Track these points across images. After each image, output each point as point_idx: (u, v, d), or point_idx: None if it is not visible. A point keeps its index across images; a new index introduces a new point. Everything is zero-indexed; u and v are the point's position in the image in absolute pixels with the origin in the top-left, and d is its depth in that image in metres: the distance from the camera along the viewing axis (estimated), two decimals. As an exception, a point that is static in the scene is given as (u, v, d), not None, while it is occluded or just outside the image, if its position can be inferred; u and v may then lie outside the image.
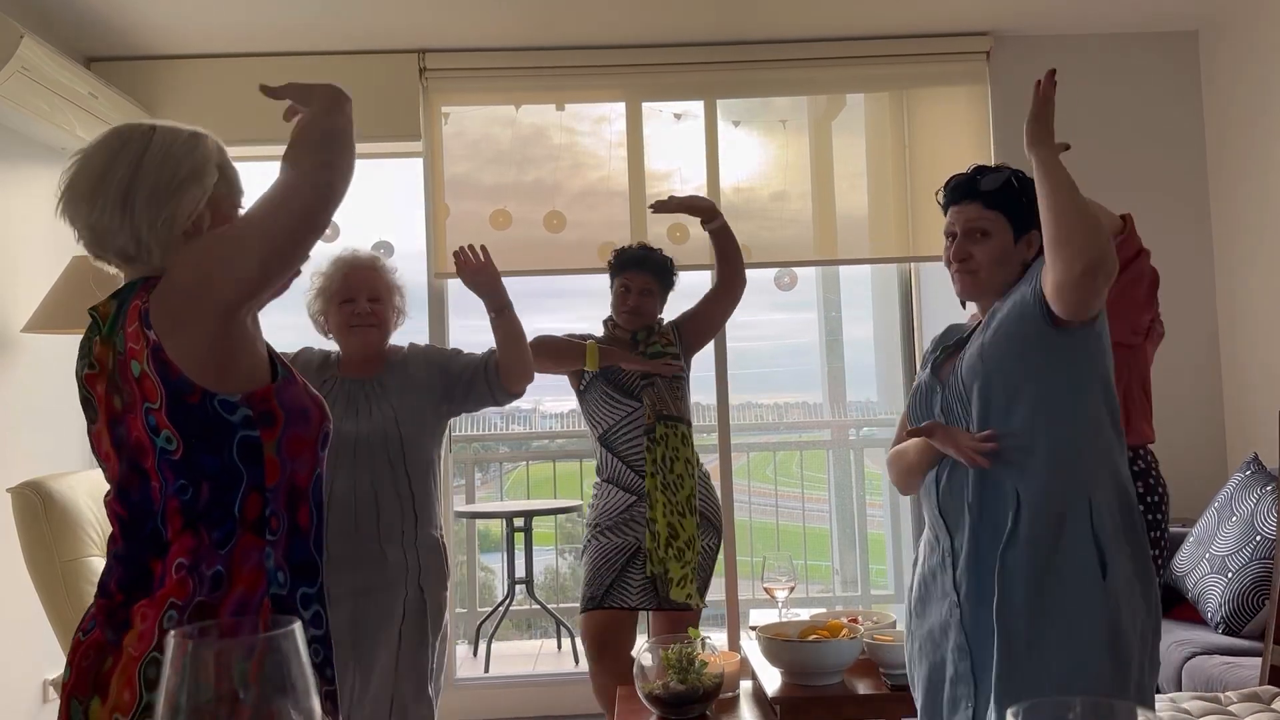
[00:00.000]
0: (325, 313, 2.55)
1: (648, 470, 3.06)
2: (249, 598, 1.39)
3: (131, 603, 1.39)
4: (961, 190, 1.91)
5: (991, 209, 1.86)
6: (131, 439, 1.42)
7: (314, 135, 1.62)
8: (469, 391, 2.56)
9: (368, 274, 2.54)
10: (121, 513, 1.44)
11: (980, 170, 1.92)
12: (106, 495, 1.48)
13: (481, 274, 2.60)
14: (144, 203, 1.44)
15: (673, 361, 3.09)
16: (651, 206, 3.27)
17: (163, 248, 1.45)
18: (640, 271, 3.16)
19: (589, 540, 3.14)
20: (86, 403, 1.49)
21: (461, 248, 2.64)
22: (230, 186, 1.59)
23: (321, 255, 2.60)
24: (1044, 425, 1.74)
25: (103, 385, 1.45)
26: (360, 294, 2.51)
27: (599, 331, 3.24)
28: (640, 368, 3.07)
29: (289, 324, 2.68)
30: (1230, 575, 3.07)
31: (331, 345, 2.61)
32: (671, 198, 3.28)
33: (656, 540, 3.02)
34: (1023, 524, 1.73)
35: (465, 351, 2.64)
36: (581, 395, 3.18)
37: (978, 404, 1.79)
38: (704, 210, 3.26)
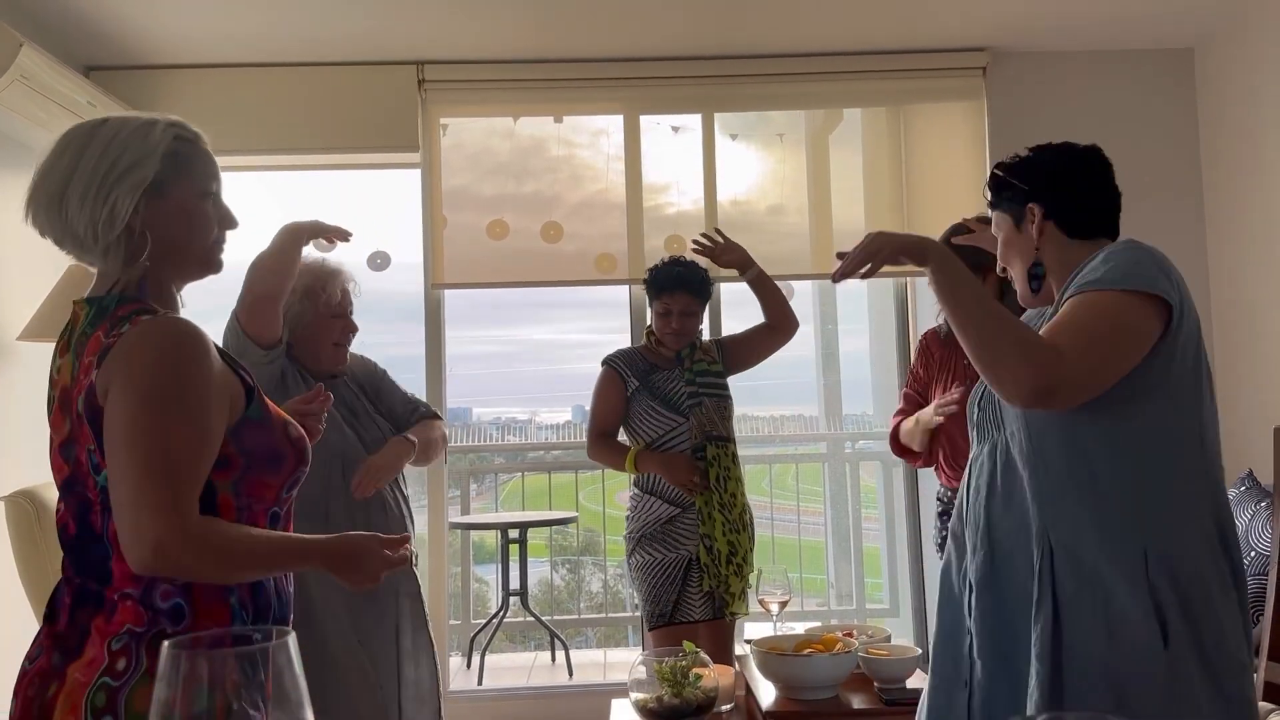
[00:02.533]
0: (304, 319, 2.48)
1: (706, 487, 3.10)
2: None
3: (80, 627, 1.31)
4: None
5: (994, 209, 1.79)
6: (80, 470, 1.34)
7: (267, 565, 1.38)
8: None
9: (350, 290, 2.57)
10: (70, 529, 1.36)
11: None
12: (56, 507, 1.40)
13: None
14: (76, 201, 1.35)
15: (697, 481, 3.09)
16: (693, 249, 3.31)
17: (105, 252, 1.37)
18: (680, 293, 3.17)
19: (634, 552, 3.14)
20: (50, 404, 1.41)
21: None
22: (187, 175, 1.43)
23: (330, 261, 2.61)
24: (1098, 466, 1.51)
25: (57, 396, 1.38)
26: (348, 310, 2.54)
27: (638, 341, 3.28)
28: (673, 481, 3.08)
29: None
30: (1225, 591, 3.07)
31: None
32: (704, 248, 3.28)
33: (716, 557, 3.07)
34: (1059, 578, 1.50)
35: (396, 392, 2.70)
36: (628, 401, 3.19)
37: (1020, 434, 1.58)
38: (736, 264, 3.28)
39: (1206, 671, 1.43)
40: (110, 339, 1.31)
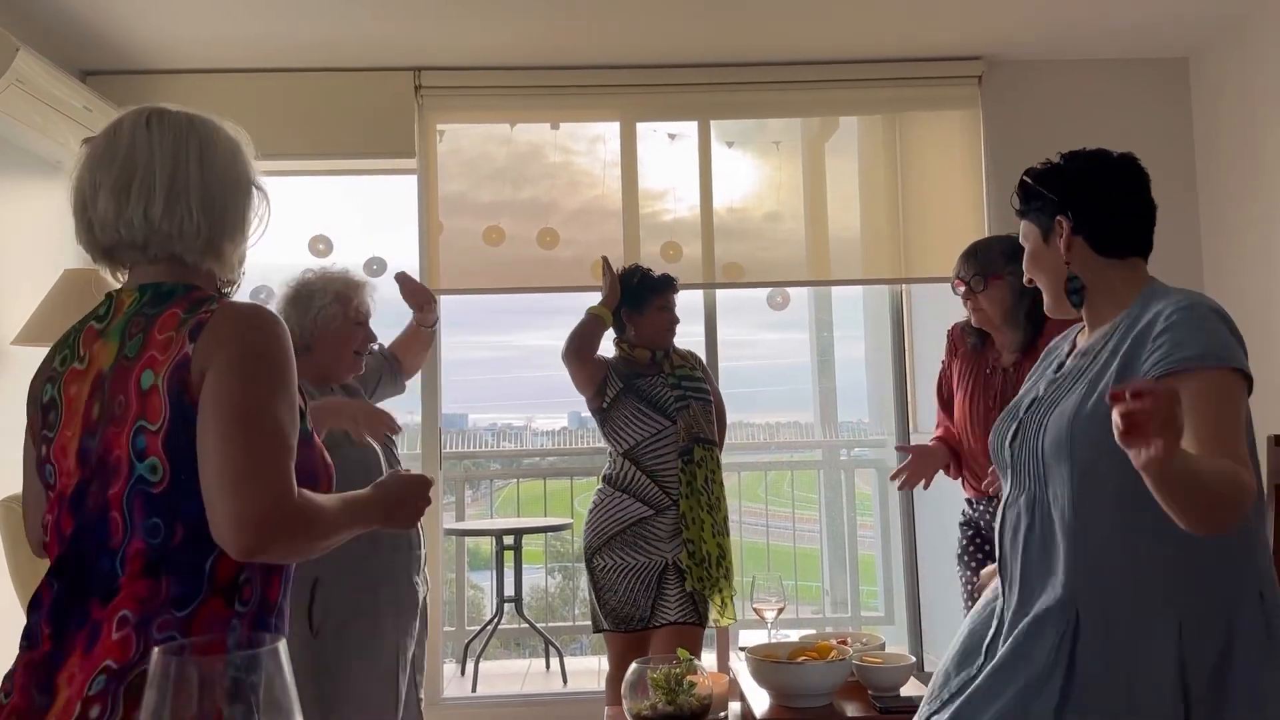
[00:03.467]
0: (340, 326, 2.52)
1: (684, 492, 3.12)
2: None
3: (63, 655, 1.22)
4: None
5: (1023, 218, 1.72)
6: (109, 458, 1.26)
7: (345, 529, 1.37)
8: None
9: (372, 302, 2.65)
10: (68, 536, 1.28)
11: None
12: (47, 516, 1.33)
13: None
14: (216, 208, 1.36)
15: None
16: None
17: (227, 260, 1.39)
18: (670, 292, 3.29)
19: (599, 553, 3.14)
20: (50, 406, 1.34)
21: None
22: (255, 197, 1.49)
23: (278, 264, 2.66)
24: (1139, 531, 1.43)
25: (84, 387, 1.30)
26: (369, 319, 2.60)
27: (611, 352, 3.30)
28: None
29: None
30: (1219, 600, 3.07)
31: None
32: None
33: (704, 561, 3.09)
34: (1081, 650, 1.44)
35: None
36: (604, 413, 3.21)
37: (1063, 492, 1.50)
38: None
39: None
40: (200, 315, 1.28)
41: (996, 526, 1.66)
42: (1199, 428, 1.40)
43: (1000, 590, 1.63)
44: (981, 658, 1.60)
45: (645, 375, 3.22)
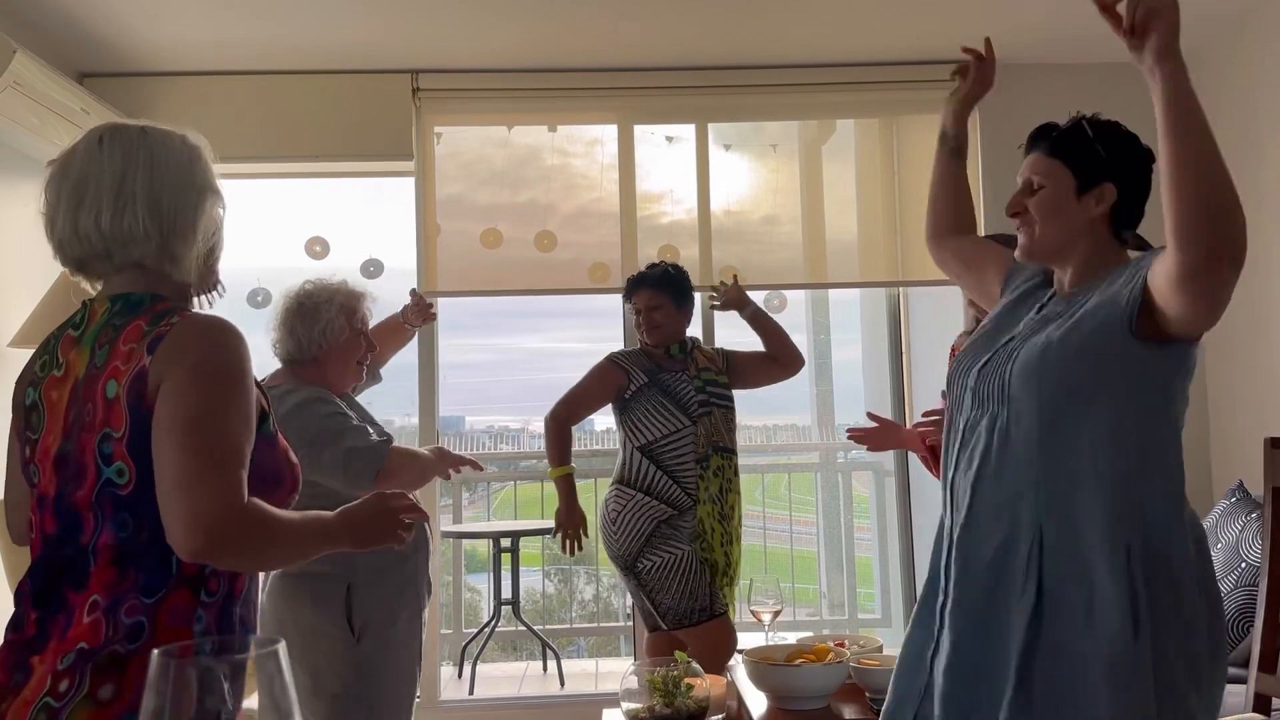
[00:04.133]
0: (348, 337, 2.52)
1: (701, 497, 3.12)
2: None
3: (44, 640, 1.30)
4: (1030, 139, 1.69)
5: (1053, 156, 1.63)
6: (80, 461, 1.33)
7: (316, 545, 1.42)
8: None
9: (371, 311, 2.64)
10: (49, 532, 1.35)
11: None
12: (31, 515, 1.39)
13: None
14: (171, 212, 1.39)
15: (577, 543, 3.19)
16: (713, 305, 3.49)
17: (191, 261, 1.41)
18: (643, 289, 3.25)
19: (642, 555, 3.10)
20: (32, 408, 1.40)
21: None
22: (220, 202, 1.51)
23: (324, 268, 2.64)
24: (1102, 454, 1.49)
25: (63, 393, 1.37)
26: (369, 329, 2.60)
27: (619, 344, 3.36)
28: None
29: None
30: (1216, 602, 3.08)
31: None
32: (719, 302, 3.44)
33: (711, 567, 3.15)
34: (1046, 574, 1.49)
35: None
36: (625, 403, 3.19)
37: (1028, 416, 1.53)
38: (732, 303, 3.39)
39: (1171, 668, 1.44)
40: (160, 328, 1.33)
41: (946, 444, 1.66)
42: None
43: (946, 507, 1.65)
44: (936, 621, 1.63)
45: (669, 370, 3.22)
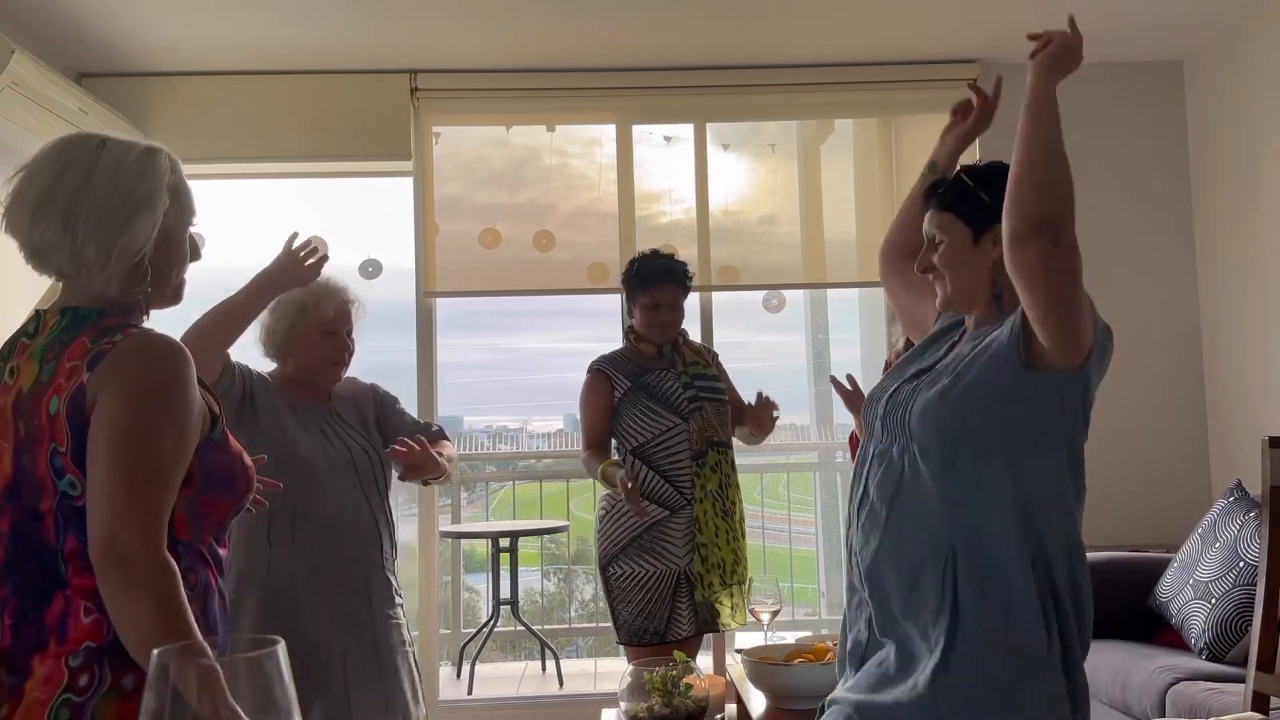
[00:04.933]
0: (298, 337, 2.44)
1: (697, 496, 3.03)
2: None
3: (25, 645, 1.30)
4: (923, 198, 1.80)
5: (944, 210, 1.72)
6: (36, 474, 1.34)
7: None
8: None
9: (349, 309, 2.50)
10: (8, 543, 1.35)
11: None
12: None
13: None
14: (91, 224, 1.37)
15: (638, 502, 2.95)
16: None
17: (108, 276, 1.39)
18: (669, 284, 3.11)
19: (615, 560, 3.03)
20: None
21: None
22: (181, 210, 1.47)
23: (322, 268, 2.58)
24: (1000, 482, 1.56)
25: (8, 402, 1.37)
26: (342, 328, 2.47)
27: (619, 344, 3.24)
28: (632, 504, 2.94)
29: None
30: (1214, 601, 3.08)
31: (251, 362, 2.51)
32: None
33: (714, 567, 3.02)
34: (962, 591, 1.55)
35: (402, 415, 2.62)
36: (613, 412, 3.10)
37: (930, 452, 1.61)
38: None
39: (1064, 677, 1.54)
40: (102, 345, 1.34)
41: (858, 467, 1.73)
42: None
43: (854, 531, 1.70)
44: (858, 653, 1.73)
45: (654, 370, 3.11)
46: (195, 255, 1.53)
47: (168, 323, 1.60)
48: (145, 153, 1.44)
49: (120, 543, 1.25)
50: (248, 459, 1.47)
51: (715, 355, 3.29)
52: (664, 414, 3.06)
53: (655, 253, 3.22)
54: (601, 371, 3.14)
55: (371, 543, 2.40)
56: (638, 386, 3.08)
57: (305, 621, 2.28)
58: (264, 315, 2.43)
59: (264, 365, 2.52)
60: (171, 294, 1.51)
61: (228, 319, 2.22)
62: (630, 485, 2.89)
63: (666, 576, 3.01)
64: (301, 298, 2.44)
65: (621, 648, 3.24)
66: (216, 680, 0.69)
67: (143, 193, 1.40)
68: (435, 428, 2.67)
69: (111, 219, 1.38)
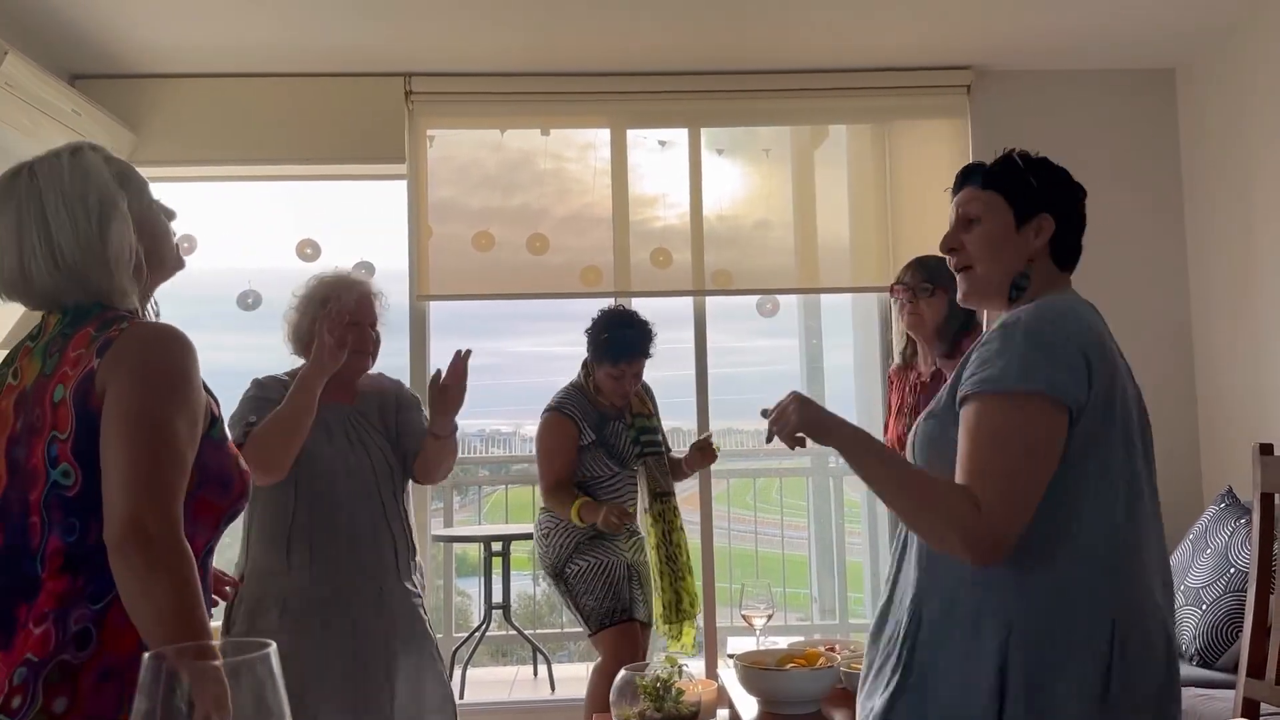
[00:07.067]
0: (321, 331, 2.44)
1: (651, 542, 3.27)
2: (117, 664, 1.28)
3: None
4: (959, 177, 1.67)
5: (988, 189, 1.60)
6: (27, 466, 1.34)
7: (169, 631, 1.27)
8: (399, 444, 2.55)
9: (372, 301, 2.54)
10: None
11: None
12: None
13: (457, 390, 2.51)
14: (78, 253, 1.39)
15: (620, 520, 3.15)
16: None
17: (121, 281, 1.41)
18: (640, 358, 3.27)
19: (570, 561, 3.20)
20: None
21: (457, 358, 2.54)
22: (137, 190, 1.48)
23: (315, 270, 2.61)
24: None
25: (11, 401, 1.39)
26: (365, 319, 2.50)
27: (575, 374, 3.35)
28: (605, 526, 3.13)
29: (227, 344, 2.64)
30: (1204, 608, 3.09)
31: (261, 366, 2.54)
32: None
33: (667, 608, 3.25)
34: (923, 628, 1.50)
35: (419, 413, 2.62)
36: (580, 449, 3.26)
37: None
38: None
39: None
40: (109, 333, 1.35)
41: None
42: (959, 456, 1.45)
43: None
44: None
45: (610, 420, 3.29)
46: (170, 215, 1.55)
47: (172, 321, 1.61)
48: (73, 160, 1.45)
49: (144, 523, 1.25)
50: (244, 463, 1.47)
51: (651, 393, 3.44)
52: (615, 468, 3.27)
53: (624, 314, 3.32)
54: (569, 417, 3.25)
55: (387, 551, 2.41)
56: (600, 440, 3.25)
57: (333, 637, 2.29)
58: (289, 314, 2.46)
59: (294, 362, 2.54)
60: (172, 263, 1.54)
61: (278, 425, 2.27)
62: (615, 519, 3.09)
63: (619, 565, 3.19)
64: (323, 292, 2.47)
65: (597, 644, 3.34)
66: (221, 682, 0.69)
67: (97, 197, 1.41)
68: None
69: (90, 240, 1.39)
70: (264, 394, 2.40)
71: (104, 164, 1.45)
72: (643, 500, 3.32)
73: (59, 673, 1.26)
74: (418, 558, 2.53)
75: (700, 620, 4.06)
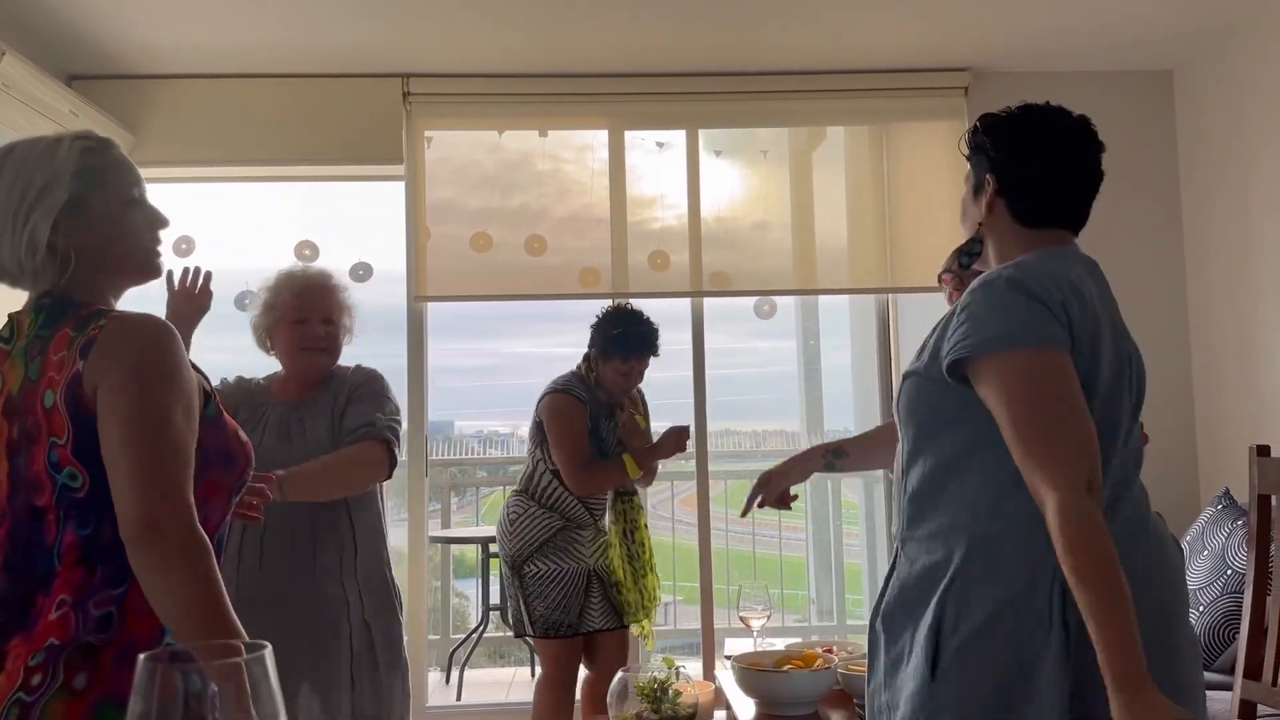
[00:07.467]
0: (271, 331, 2.42)
1: (612, 540, 3.31)
2: (138, 643, 1.29)
3: (6, 639, 1.31)
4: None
5: (969, 163, 1.67)
6: (32, 473, 1.34)
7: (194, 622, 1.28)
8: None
9: (321, 294, 2.43)
10: (6, 546, 1.36)
11: None
12: None
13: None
14: (6, 229, 1.38)
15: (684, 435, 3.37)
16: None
17: (34, 274, 1.39)
18: (649, 356, 3.32)
19: (529, 560, 3.22)
20: None
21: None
22: (106, 185, 1.44)
23: (264, 269, 2.59)
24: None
25: (0, 402, 1.37)
26: (314, 315, 2.39)
27: (576, 364, 3.37)
28: (673, 452, 3.36)
29: (225, 346, 2.64)
30: (1201, 609, 3.09)
31: (260, 367, 2.49)
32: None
33: (630, 605, 3.29)
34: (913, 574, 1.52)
35: (365, 406, 2.39)
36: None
37: (904, 443, 1.57)
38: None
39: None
40: (89, 332, 1.34)
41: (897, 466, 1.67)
42: (1002, 428, 1.39)
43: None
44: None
45: (602, 418, 3.32)
46: (159, 223, 1.50)
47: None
48: (48, 145, 1.43)
49: (157, 523, 1.26)
50: (243, 435, 1.47)
51: (643, 396, 3.49)
52: (598, 460, 3.30)
53: (635, 312, 3.35)
54: (578, 399, 3.29)
55: (326, 553, 2.30)
56: (594, 431, 3.29)
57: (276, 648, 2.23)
58: (251, 319, 2.44)
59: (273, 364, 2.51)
60: (137, 268, 1.48)
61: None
62: (675, 437, 3.30)
63: (579, 574, 3.21)
64: (269, 295, 2.43)
65: (531, 643, 3.40)
66: (241, 679, 0.68)
67: (39, 186, 1.38)
68: (366, 430, 2.35)
69: (13, 222, 1.37)
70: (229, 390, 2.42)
71: (79, 155, 1.41)
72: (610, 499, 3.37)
73: (80, 651, 1.28)
74: (388, 559, 2.40)
75: (699, 621, 4.07)
